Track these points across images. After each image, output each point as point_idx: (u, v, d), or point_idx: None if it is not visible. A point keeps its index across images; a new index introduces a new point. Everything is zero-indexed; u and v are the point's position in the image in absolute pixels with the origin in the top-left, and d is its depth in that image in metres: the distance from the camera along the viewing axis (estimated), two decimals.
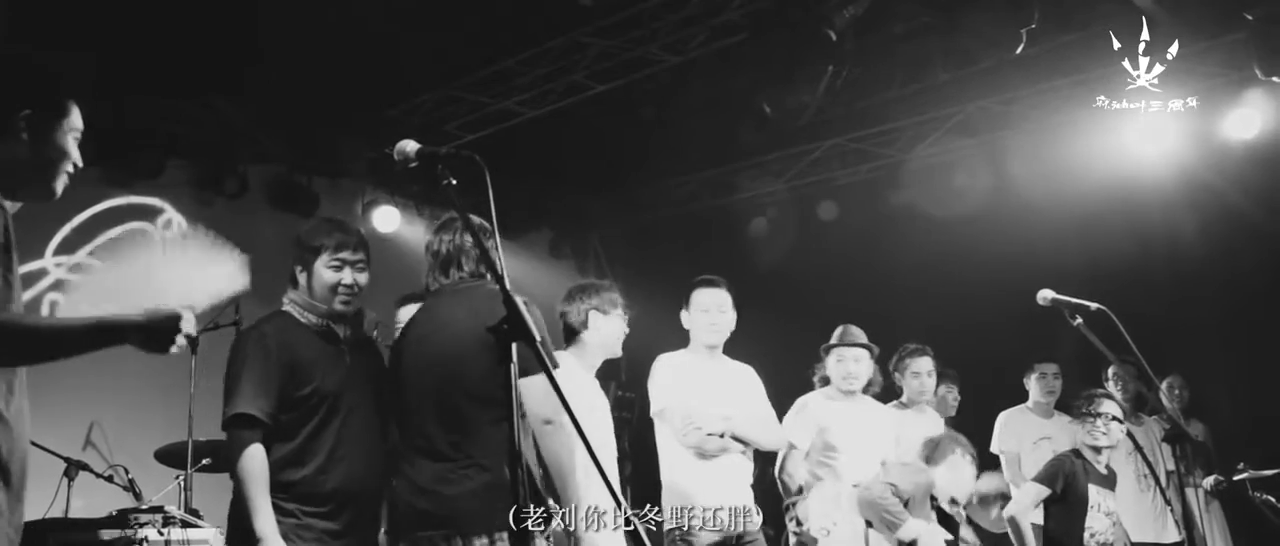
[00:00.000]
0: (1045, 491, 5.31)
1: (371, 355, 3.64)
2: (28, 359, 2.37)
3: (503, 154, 7.45)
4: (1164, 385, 6.73)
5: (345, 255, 3.46)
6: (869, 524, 4.73)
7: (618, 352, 4.42)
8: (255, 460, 3.24)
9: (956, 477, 4.90)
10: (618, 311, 4.38)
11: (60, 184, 2.56)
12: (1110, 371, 6.72)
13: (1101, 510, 5.31)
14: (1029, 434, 6.65)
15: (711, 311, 4.88)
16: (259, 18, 6.36)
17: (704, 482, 4.62)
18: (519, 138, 8.00)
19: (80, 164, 2.59)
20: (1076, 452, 5.44)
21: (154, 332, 2.40)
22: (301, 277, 3.50)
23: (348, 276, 3.46)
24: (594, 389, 4.30)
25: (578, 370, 4.27)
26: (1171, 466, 6.26)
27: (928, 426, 5.70)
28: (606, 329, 4.35)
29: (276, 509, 3.23)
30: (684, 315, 4.98)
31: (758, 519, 4.74)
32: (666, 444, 4.70)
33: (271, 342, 3.36)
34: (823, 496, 4.88)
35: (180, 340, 2.43)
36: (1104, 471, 5.42)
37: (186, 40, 6.58)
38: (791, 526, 4.87)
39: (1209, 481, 6.64)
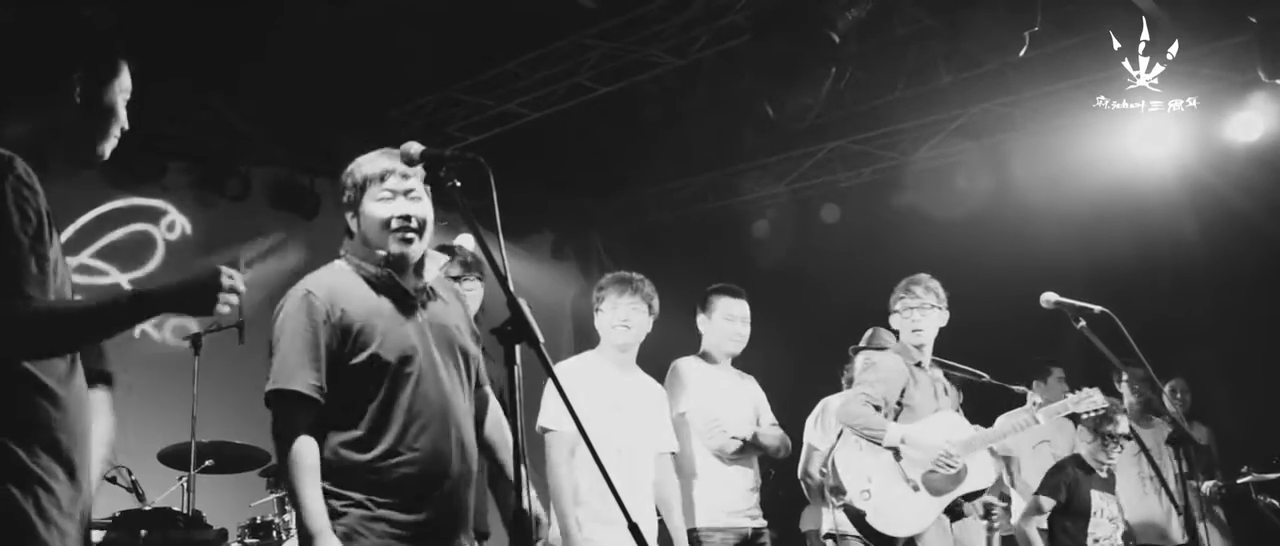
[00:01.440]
0: (1051, 503, 5.30)
1: (450, 307, 3.05)
2: (63, 346, 2.24)
3: (505, 156, 7.42)
4: (1166, 388, 6.70)
5: (392, 184, 2.87)
6: (897, 455, 4.69)
7: (622, 341, 4.41)
8: (306, 447, 2.71)
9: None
10: (603, 305, 4.45)
11: (108, 147, 2.46)
12: (1124, 377, 6.63)
13: (1105, 515, 5.32)
14: (1029, 437, 6.63)
15: (737, 321, 4.91)
16: (261, 19, 6.37)
17: (720, 484, 4.68)
18: (521, 140, 8.00)
19: (126, 126, 2.48)
20: (1077, 460, 5.44)
21: (193, 297, 2.26)
22: (354, 223, 2.95)
23: (401, 206, 2.87)
24: (621, 383, 4.37)
25: (602, 366, 4.39)
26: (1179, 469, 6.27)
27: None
28: (600, 324, 4.47)
29: (339, 498, 2.73)
30: (702, 319, 4.99)
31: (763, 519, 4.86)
32: (684, 447, 4.73)
33: (320, 300, 2.80)
34: (850, 458, 4.82)
35: (230, 299, 2.27)
36: (1104, 476, 5.42)
37: (188, 42, 6.59)
38: (834, 501, 4.80)
39: (1208, 486, 6.62)
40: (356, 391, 2.77)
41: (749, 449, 4.76)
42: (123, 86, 2.46)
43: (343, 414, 2.76)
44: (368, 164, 2.91)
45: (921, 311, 4.85)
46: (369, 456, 2.73)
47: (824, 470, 5.03)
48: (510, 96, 7.76)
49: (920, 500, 4.63)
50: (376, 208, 2.86)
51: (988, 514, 5.19)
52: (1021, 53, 6.06)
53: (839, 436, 4.90)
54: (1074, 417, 5.46)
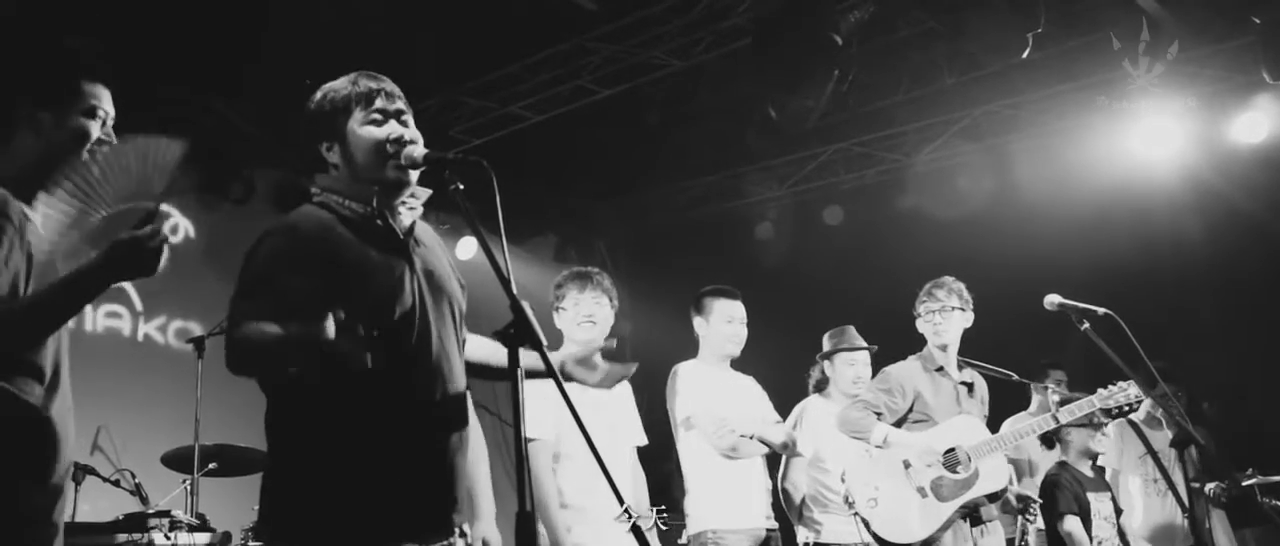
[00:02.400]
0: (1077, 517, 5.30)
1: (436, 252, 2.69)
2: (11, 343, 2.32)
3: (508, 159, 7.44)
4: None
5: (381, 105, 2.54)
6: (906, 465, 4.69)
7: (587, 338, 4.20)
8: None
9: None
10: (564, 303, 4.35)
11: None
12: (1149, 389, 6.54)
13: (1101, 515, 5.33)
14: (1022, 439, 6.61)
15: (736, 323, 4.90)
16: (263, 21, 6.37)
17: (731, 486, 4.69)
18: (524, 143, 8.01)
19: (111, 140, 2.52)
20: (1062, 465, 5.45)
21: (129, 260, 2.27)
22: (332, 155, 2.56)
23: (395, 128, 2.52)
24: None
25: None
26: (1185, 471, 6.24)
27: None
28: (563, 322, 4.36)
29: (323, 476, 2.35)
30: (699, 322, 4.98)
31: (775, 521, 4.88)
32: (693, 450, 4.74)
33: (310, 239, 2.42)
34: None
35: (164, 251, 2.30)
36: (1091, 474, 5.42)
37: (191, 44, 6.60)
38: (850, 511, 4.79)
39: (1211, 487, 6.60)
40: (350, 350, 2.31)
41: (757, 447, 4.77)
42: (82, 107, 2.50)
43: (328, 382, 2.32)
44: (349, 85, 2.59)
45: (943, 314, 4.86)
46: (359, 430, 2.36)
47: (831, 487, 5.05)
48: (513, 99, 7.76)
49: (927, 506, 4.63)
50: (368, 130, 2.53)
51: (1026, 508, 5.19)
52: (1024, 54, 6.05)
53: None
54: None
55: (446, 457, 2.48)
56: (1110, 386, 4.87)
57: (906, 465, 4.65)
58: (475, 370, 2.80)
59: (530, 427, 3.94)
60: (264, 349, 2.24)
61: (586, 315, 4.31)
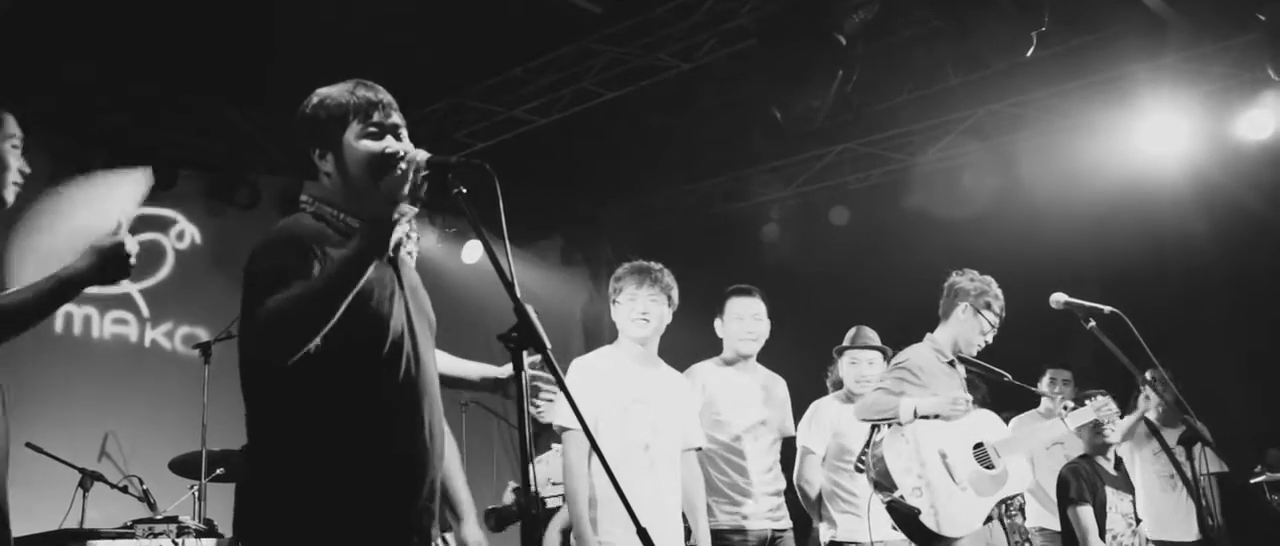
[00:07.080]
0: (1089, 506, 5.29)
1: (414, 269, 2.68)
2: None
3: (513, 162, 7.46)
4: (1147, 377, 6.63)
5: (378, 118, 2.49)
6: (943, 454, 4.63)
7: (641, 334, 4.22)
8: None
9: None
10: (620, 297, 4.28)
11: (9, 194, 2.66)
12: (1148, 375, 6.53)
13: (1118, 512, 5.31)
14: (1044, 438, 6.61)
15: (746, 319, 4.87)
16: (269, 27, 6.39)
17: (741, 484, 4.69)
18: (529, 146, 8.01)
19: (27, 170, 2.66)
20: (1085, 457, 5.44)
21: (104, 267, 2.46)
22: (325, 164, 2.51)
23: (392, 144, 2.48)
24: (643, 377, 4.20)
25: (622, 361, 4.23)
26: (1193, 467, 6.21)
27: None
28: (618, 315, 4.30)
29: (301, 500, 2.32)
30: (718, 323, 4.99)
31: (788, 521, 4.86)
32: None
33: (312, 245, 2.35)
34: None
35: (132, 260, 2.48)
36: (1114, 472, 5.41)
37: (198, 50, 6.62)
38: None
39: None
40: (332, 377, 2.31)
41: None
42: (6, 135, 2.62)
43: (312, 405, 2.32)
44: (345, 93, 2.52)
45: (991, 336, 4.92)
46: (343, 443, 2.33)
47: (862, 461, 4.97)
48: (518, 102, 7.77)
49: (969, 499, 4.54)
50: (365, 144, 2.48)
51: (1020, 511, 5.20)
52: (1029, 53, 6.04)
53: (874, 431, 4.82)
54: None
55: (429, 472, 2.46)
56: (1096, 399, 5.13)
57: (943, 456, 4.59)
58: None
59: (568, 417, 3.88)
60: (297, 303, 2.21)
61: (641, 312, 4.20)
